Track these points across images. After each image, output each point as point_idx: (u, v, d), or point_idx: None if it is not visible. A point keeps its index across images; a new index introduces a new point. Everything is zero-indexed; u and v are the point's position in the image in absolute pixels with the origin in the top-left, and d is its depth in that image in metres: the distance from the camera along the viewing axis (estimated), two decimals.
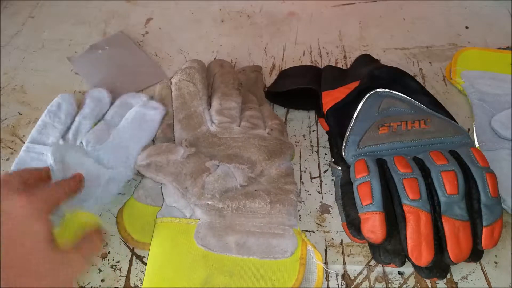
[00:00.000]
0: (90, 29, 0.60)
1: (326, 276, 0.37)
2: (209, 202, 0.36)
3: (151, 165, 0.37)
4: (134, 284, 0.37)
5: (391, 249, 0.34)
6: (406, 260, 0.34)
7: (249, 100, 0.46)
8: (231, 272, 0.34)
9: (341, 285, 0.36)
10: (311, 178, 0.43)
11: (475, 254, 0.34)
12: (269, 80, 0.53)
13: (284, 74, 0.51)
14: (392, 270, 0.37)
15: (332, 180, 0.43)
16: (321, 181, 0.43)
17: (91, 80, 0.53)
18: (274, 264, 0.34)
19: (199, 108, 0.42)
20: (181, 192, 0.36)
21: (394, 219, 0.34)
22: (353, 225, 0.36)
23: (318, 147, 0.46)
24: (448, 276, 0.36)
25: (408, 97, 0.41)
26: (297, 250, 0.35)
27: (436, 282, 0.36)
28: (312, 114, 0.49)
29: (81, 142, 0.41)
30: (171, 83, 0.45)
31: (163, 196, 0.38)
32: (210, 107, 0.43)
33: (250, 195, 0.37)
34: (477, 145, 0.44)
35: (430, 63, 0.54)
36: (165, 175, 0.37)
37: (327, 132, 0.46)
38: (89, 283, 0.37)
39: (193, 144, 0.40)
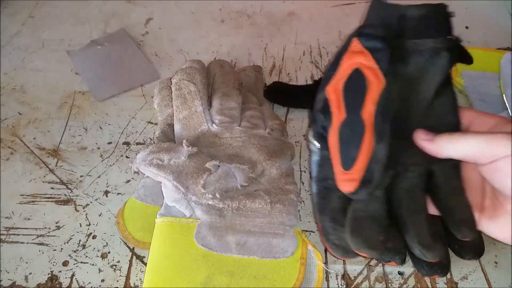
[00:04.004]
0: (90, 29, 0.60)
1: (326, 276, 0.37)
2: (210, 202, 0.36)
3: (152, 163, 0.37)
4: (134, 284, 0.37)
5: (391, 247, 0.33)
6: (407, 259, 0.34)
7: (249, 100, 0.46)
8: (231, 272, 0.34)
9: (341, 285, 0.36)
10: (311, 178, 0.43)
11: (475, 251, 0.34)
12: (269, 80, 0.53)
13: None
14: (392, 270, 0.37)
15: None
16: None
17: (86, 75, 0.54)
18: (275, 264, 0.34)
19: (199, 108, 0.42)
20: (181, 192, 0.36)
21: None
22: None
23: None
24: (448, 276, 0.36)
25: None
26: (297, 250, 0.35)
27: (436, 282, 0.36)
28: None
29: None
30: (171, 83, 0.45)
31: (163, 195, 0.38)
32: (211, 107, 0.43)
33: (250, 195, 0.37)
34: None
35: None
36: (166, 174, 0.37)
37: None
38: (89, 283, 0.37)
39: (193, 144, 0.40)
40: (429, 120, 0.33)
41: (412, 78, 0.33)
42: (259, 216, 0.36)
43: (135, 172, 0.40)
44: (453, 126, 0.34)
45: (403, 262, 0.34)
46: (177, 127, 0.42)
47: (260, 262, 0.34)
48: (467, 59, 0.36)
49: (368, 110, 0.31)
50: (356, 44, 0.32)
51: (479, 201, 0.32)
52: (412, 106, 0.33)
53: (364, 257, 0.32)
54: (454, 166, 0.32)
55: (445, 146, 0.30)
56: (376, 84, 0.31)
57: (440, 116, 0.34)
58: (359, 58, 0.32)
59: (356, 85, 0.31)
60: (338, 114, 0.32)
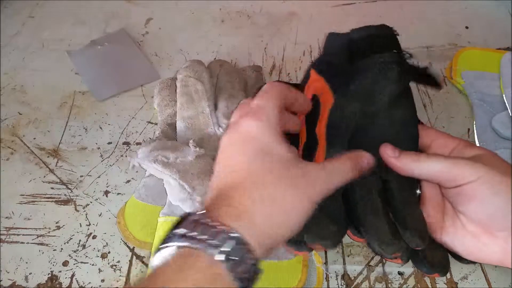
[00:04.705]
0: (90, 29, 0.60)
1: (326, 276, 0.37)
2: None
3: (157, 160, 0.37)
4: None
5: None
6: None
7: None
8: None
9: (341, 285, 0.36)
10: None
11: None
12: (269, 80, 0.53)
13: None
14: (392, 270, 0.37)
15: None
16: None
17: (86, 74, 0.54)
18: (277, 265, 0.34)
19: (206, 109, 0.41)
20: (187, 192, 0.36)
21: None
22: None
23: None
24: (448, 276, 0.36)
25: None
26: None
27: (436, 282, 0.36)
28: None
29: None
30: (173, 80, 0.45)
31: (167, 194, 0.38)
32: (215, 107, 0.43)
33: None
34: (478, 145, 0.44)
35: (430, 63, 0.54)
36: (172, 172, 0.37)
37: None
38: (89, 283, 0.37)
39: (199, 144, 0.40)
40: (389, 131, 0.34)
41: (366, 92, 0.34)
42: None
43: (133, 166, 0.39)
44: (412, 138, 0.34)
45: (407, 259, 0.33)
46: (180, 125, 0.42)
47: (264, 263, 0.34)
48: (432, 82, 0.39)
49: (321, 126, 0.33)
50: (313, 74, 0.36)
51: (440, 219, 0.32)
52: (368, 118, 0.34)
53: (319, 249, 0.32)
54: (408, 178, 0.33)
55: (410, 166, 0.31)
56: (327, 102, 0.34)
57: (399, 128, 0.35)
58: (316, 84, 0.35)
59: (314, 109, 0.34)
60: (302, 137, 0.35)
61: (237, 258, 0.22)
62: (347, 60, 0.35)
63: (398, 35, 0.36)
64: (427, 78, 0.39)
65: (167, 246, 0.23)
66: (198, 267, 0.22)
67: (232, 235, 0.23)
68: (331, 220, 0.31)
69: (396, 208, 0.32)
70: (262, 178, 0.26)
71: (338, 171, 0.28)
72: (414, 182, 0.34)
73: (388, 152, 0.32)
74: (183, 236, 0.23)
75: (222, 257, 0.22)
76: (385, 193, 0.32)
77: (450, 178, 0.29)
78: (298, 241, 0.31)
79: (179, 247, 0.23)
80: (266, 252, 0.25)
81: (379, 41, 0.36)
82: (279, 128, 0.28)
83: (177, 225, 0.24)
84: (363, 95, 0.34)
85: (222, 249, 0.22)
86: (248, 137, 0.27)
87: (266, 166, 0.26)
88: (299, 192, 0.26)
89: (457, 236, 0.31)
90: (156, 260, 0.23)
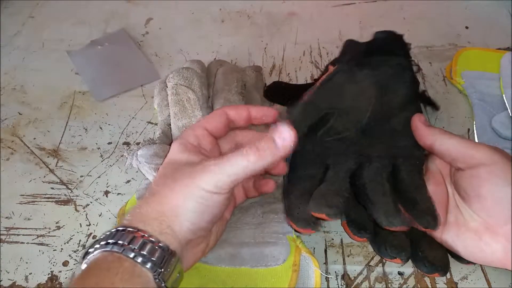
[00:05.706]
0: (90, 29, 0.60)
1: (326, 276, 0.37)
2: None
3: (158, 169, 0.37)
4: None
5: (397, 243, 0.33)
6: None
7: (252, 99, 0.46)
8: (223, 281, 0.34)
9: (341, 285, 0.36)
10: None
11: None
12: (269, 80, 0.53)
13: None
14: (392, 270, 0.37)
15: None
16: None
17: (86, 75, 0.54)
18: (266, 272, 0.34)
19: (200, 118, 0.41)
20: None
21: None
22: (354, 223, 0.36)
23: None
24: (448, 276, 0.36)
25: None
26: (289, 257, 0.34)
27: (436, 282, 0.36)
28: None
29: None
30: (166, 86, 0.45)
31: None
32: (211, 109, 0.43)
33: (244, 209, 0.38)
34: None
35: (430, 63, 0.54)
36: None
37: None
38: None
39: None
40: (398, 126, 0.37)
41: (381, 87, 0.38)
42: (252, 227, 0.37)
43: (130, 164, 0.39)
44: (416, 142, 0.36)
45: (408, 259, 0.33)
46: (176, 134, 0.42)
47: (251, 271, 0.34)
48: (430, 103, 0.46)
49: None
50: (330, 69, 0.41)
51: (443, 216, 0.33)
52: (379, 111, 0.37)
53: (323, 219, 0.32)
54: (417, 165, 0.35)
55: (434, 136, 0.33)
56: None
57: (406, 131, 0.36)
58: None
59: None
60: None
61: (153, 259, 0.26)
62: (362, 56, 0.40)
63: (410, 47, 0.43)
64: (425, 99, 0.45)
65: (93, 252, 0.27)
66: (123, 268, 0.26)
67: (151, 239, 0.27)
68: (337, 195, 0.32)
69: (406, 190, 0.33)
70: (159, 183, 0.31)
71: (230, 163, 0.30)
72: (421, 170, 0.35)
73: (422, 119, 0.35)
74: (107, 244, 0.27)
75: (139, 258, 0.26)
76: (394, 180, 0.33)
77: (468, 157, 0.31)
78: (307, 219, 0.32)
79: (103, 251, 0.27)
80: (191, 240, 0.30)
81: (394, 44, 0.41)
82: (190, 143, 0.33)
83: (102, 236, 0.28)
84: (380, 89, 0.37)
85: (141, 252, 0.26)
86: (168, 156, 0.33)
87: (164, 171, 0.32)
88: (183, 180, 0.30)
89: (459, 234, 0.31)
90: (84, 263, 0.27)
